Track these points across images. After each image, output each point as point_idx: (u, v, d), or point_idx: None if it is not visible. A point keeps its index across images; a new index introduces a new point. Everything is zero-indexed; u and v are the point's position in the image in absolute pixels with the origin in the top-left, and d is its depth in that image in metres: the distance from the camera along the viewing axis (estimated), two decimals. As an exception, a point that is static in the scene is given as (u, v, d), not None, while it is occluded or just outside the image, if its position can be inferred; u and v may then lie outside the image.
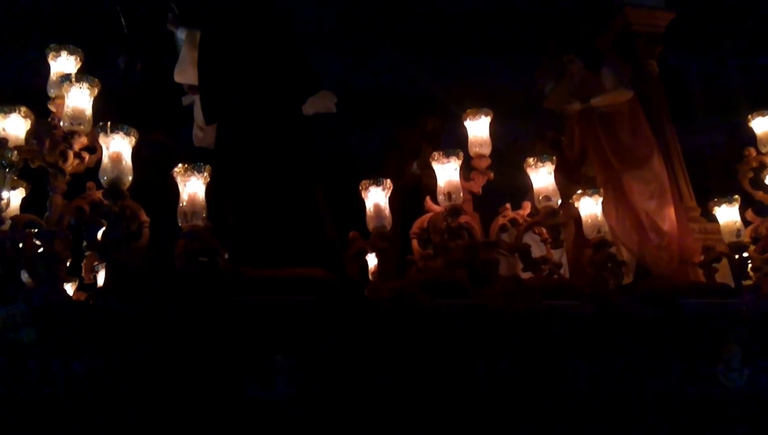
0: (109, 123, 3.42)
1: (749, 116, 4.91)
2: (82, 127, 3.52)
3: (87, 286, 4.21)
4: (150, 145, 4.48)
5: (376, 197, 3.98)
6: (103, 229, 3.53)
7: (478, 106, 4.43)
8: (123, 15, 5.38)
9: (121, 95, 4.92)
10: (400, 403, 3.49)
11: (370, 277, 4.47)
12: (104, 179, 3.40)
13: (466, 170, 4.36)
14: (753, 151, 4.80)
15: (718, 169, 5.06)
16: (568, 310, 3.84)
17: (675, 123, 5.87)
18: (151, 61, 5.44)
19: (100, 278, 4.24)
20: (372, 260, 4.54)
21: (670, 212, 4.96)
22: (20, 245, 3.37)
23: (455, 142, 4.46)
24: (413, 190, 5.75)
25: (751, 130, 4.87)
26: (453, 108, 6.16)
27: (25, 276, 3.58)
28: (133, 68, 5.41)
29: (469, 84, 6.88)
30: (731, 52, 8.14)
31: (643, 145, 5.17)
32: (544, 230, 4.24)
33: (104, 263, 3.88)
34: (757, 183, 4.75)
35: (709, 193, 4.92)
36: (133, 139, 3.49)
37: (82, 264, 4.37)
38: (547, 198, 4.13)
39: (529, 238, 4.32)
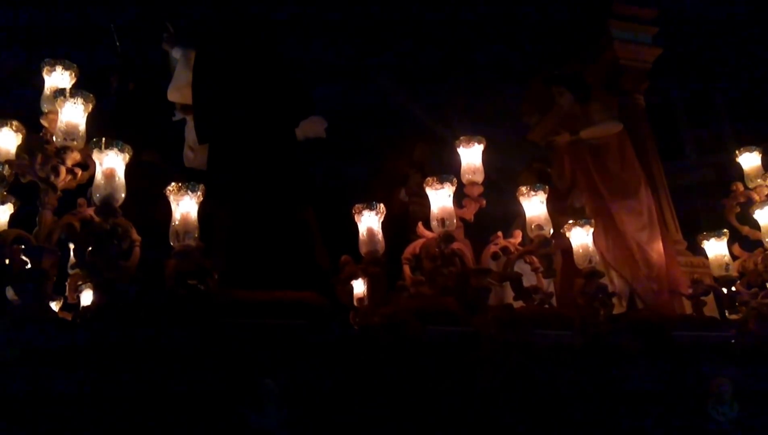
0: (103, 139, 3.38)
1: (736, 151, 4.97)
2: (75, 142, 3.47)
3: (70, 306, 4.13)
4: (141, 164, 4.44)
5: (369, 222, 3.95)
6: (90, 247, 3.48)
7: (469, 133, 4.44)
8: (116, 34, 5.35)
9: (112, 113, 4.88)
10: (390, 429, 3.45)
11: (355, 302, 4.43)
12: (97, 196, 3.35)
13: (455, 197, 4.35)
14: (740, 186, 4.86)
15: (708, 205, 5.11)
16: (560, 339, 3.82)
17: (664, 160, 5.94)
18: (144, 81, 5.41)
19: (84, 298, 4.17)
20: (358, 285, 4.49)
21: (659, 244, 5.01)
22: (6, 261, 3.29)
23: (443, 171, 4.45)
24: (401, 217, 5.74)
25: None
26: (442, 135, 6.19)
27: (10, 293, 3.49)
28: (125, 87, 5.37)
29: (457, 113, 6.93)
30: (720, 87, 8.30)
31: (632, 176, 5.23)
32: (535, 259, 4.24)
33: (89, 283, 3.82)
34: (745, 218, 4.80)
35: (698, 228, 4.95)
36: (127, 156, 3.45)
37: (66, 283, 4.30)
38: (540, 227, 4.13)
39: (519, 267, 4.32)
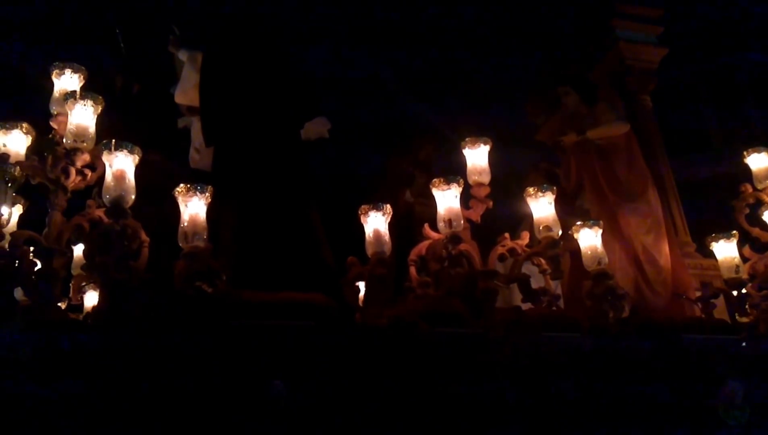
0: (113, 141, 3.38)
1: (744, 153, 4.94)
2: (85, 144, 3.49)
3: (74, 307, 4.13)
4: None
5: (376, 223, 3.93)
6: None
7: (476, 134, 4.41)
8: (121, 36, 5.35)
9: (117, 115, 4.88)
10: (396, 430, 3.45)
11: (362, 303, 4.42)
12: (107, 197, 3.35)
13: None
14: (749, 188, 4.82)
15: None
16: (569, 342, 3.81)
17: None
18: (149, 82, 5.42)
19: (88, 299, 4.17)
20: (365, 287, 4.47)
21: (665, 246, 4.98)
22: (16, 263, 3.29)
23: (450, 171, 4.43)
24: (405, 218, 5.71)
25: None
26: (447, 136, 6.18)
27: (18, 293, 3.49)
28: (129, 89, 5.37)
29: (463, 113, 6.92)
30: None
31: (639, 178, 5.19)
32: (543, 261, 4.22)
33: (93, 284, 3.82)
34: (754, 219, 4.77)
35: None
36: (137, 158, 3.46)
37: (70, 284, 4.30)
38: (548, 228, 4.11)
39: (526, 269, 4.30)
